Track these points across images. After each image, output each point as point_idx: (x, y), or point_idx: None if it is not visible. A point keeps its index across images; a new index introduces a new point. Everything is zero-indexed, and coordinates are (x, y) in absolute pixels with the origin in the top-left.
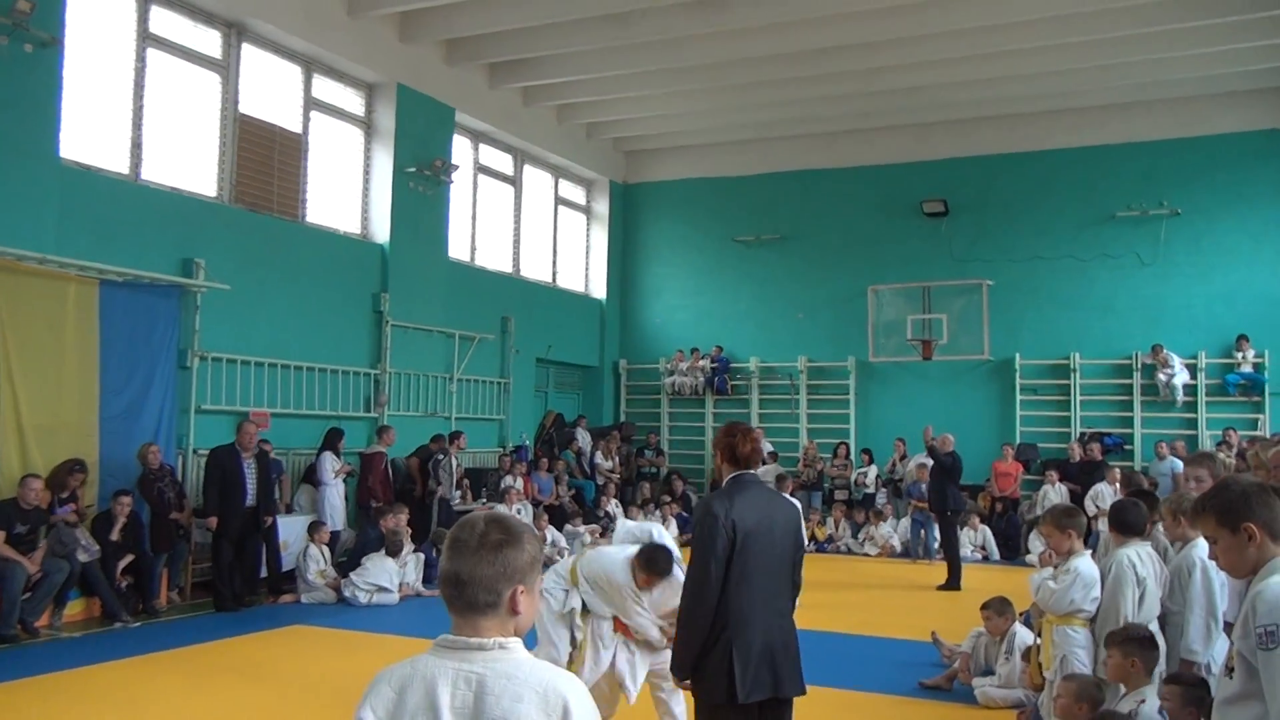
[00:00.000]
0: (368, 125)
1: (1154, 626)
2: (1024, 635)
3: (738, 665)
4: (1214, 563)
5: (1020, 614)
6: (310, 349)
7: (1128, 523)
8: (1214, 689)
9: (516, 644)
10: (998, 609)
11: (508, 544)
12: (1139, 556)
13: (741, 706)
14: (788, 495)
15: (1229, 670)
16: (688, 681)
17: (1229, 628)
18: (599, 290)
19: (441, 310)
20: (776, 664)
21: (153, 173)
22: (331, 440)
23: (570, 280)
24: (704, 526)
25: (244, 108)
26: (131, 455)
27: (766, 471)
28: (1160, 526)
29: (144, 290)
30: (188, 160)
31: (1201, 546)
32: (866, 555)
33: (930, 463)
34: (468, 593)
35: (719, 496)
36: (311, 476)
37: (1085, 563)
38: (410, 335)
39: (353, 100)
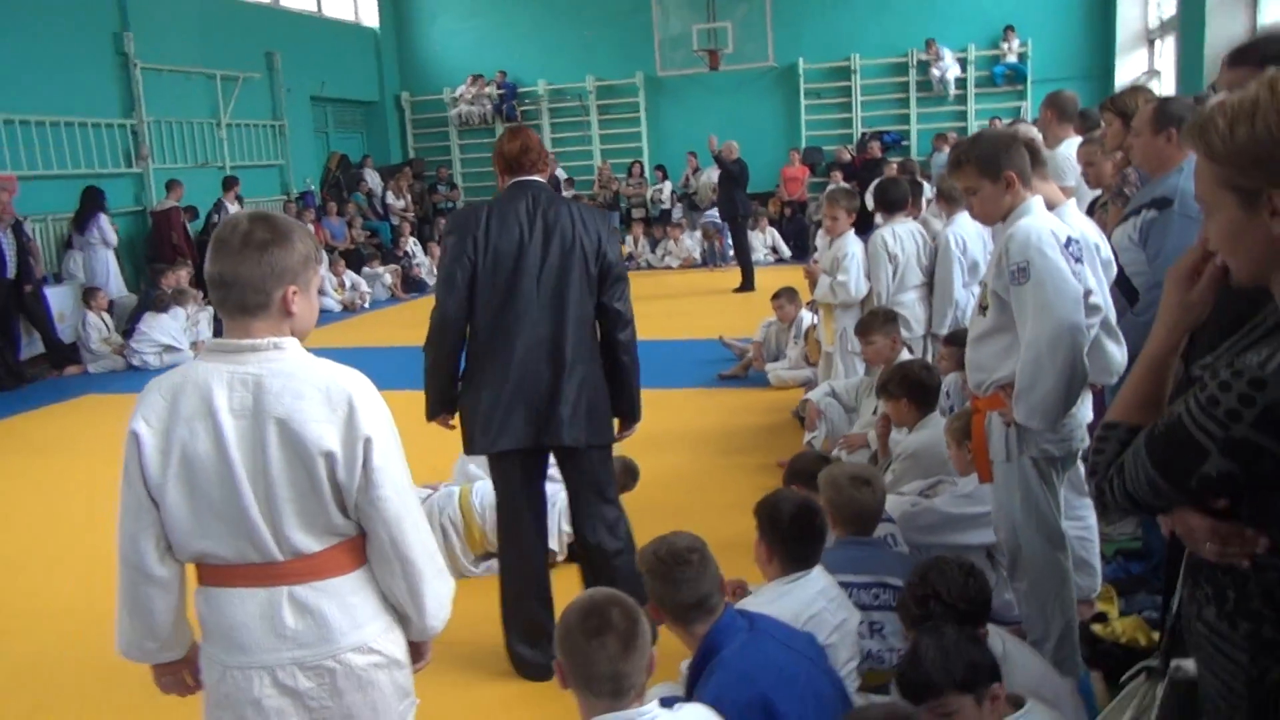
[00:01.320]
0: None
1: (913, 296)
2: (809, 319)
3: (480, 411)
4: (954, 235)
5: (807, 302)
6: (49, 101)
7: (890, 199)
8: None
9: (293, 343)
10: (788, 297)
11: (274, 243)
12: (894, 234)
13: (516, 453)
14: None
15: (982, 309)
16: (444, 419)
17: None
18: (370, 18)
19: (196, 48)
20: (541, 406)
21: None
22: (97, 200)
23: (337, 8)
24: (444, 248)
25: None
26: None
27: None
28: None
29: None
30: None
31: (955, 224)
32: (668, 268)
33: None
34: (234, 294)
35: (472, 210)
36: (76, 242)
37: (854, 243)
38: (165, 78)
39: None
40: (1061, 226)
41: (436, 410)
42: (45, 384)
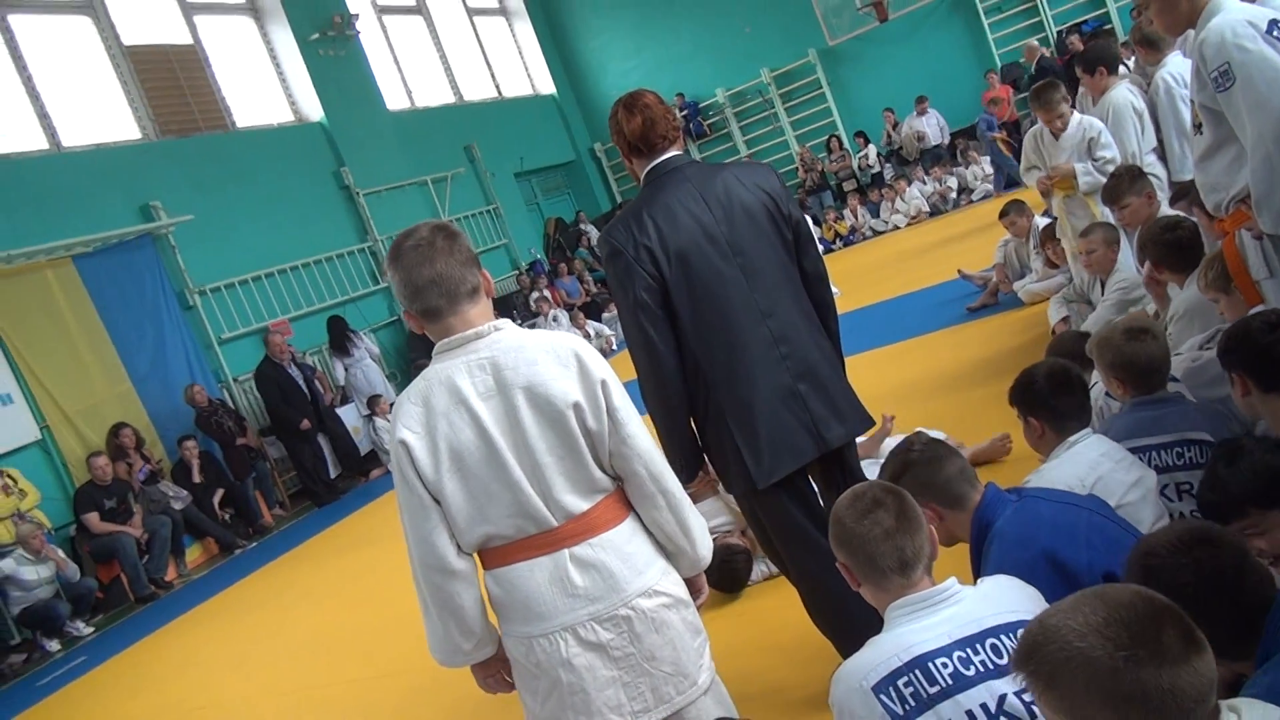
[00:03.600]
0: (254, 9)
1: (1153, 157)
2: (1043, 224)
3: (741, 441)
4: (1172, 75)
5: (1042, 212)
6: (299, 247)
7: (1109, 56)
8: None
9: (507, 323)
10: (1016, 211)
11: (458, 236)
12: (1131, 90)
13: (782, 480)
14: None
15: (1196, 128)
16: (707, 478)
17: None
18: (546, 86)
19: (403, 163)
20: (803, 412)
21: (72, 138)
22: (343, 325)
23: (515, 87)
24: (612, 272)
25: (127, 39)
26: (177, 405)
27: None
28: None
29: (117, 250)
30: (99, 113)
31: (1167, 66)
32: (897, 228)
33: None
34: (451, 285)
35: (623, 218)
36: (344, 364)
37: (1091, 120)
38: (384, 197)
39: None
40: (1261, 11)
41: (692, 468)
42: (356, 491)
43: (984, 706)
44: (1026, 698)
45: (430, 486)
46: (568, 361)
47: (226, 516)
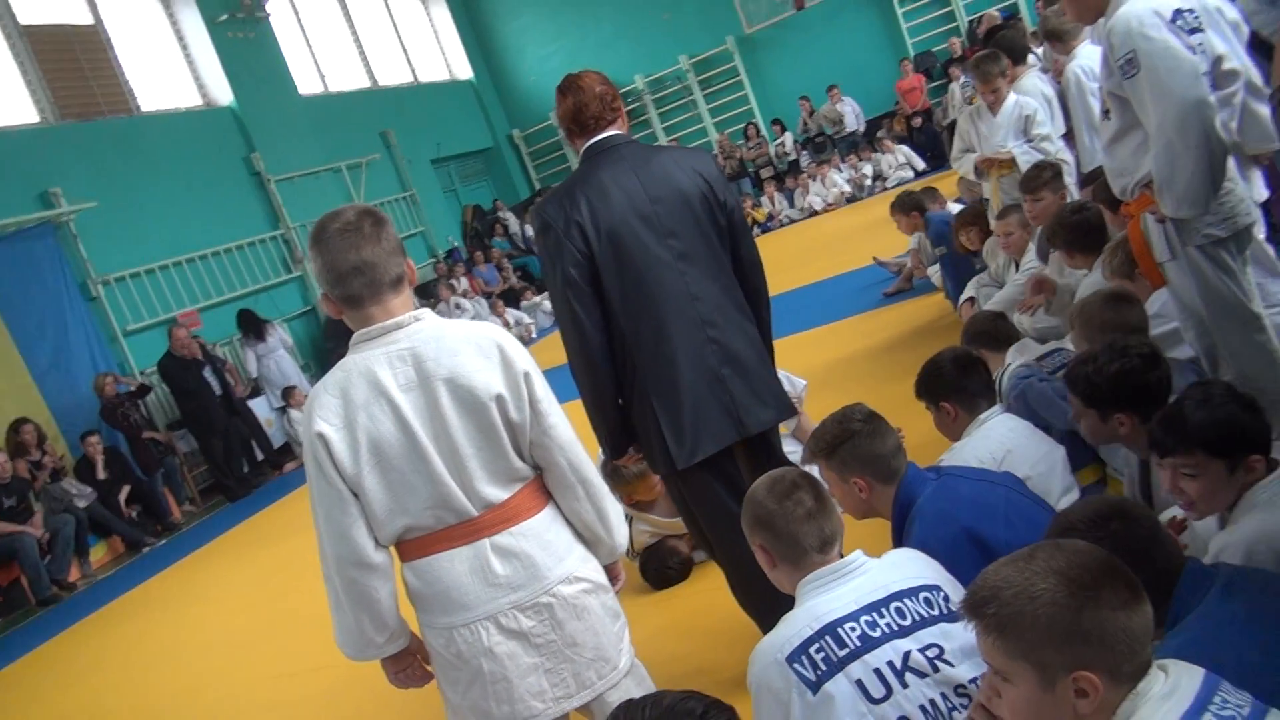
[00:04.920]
0: None
1: (1061, 144)
2: (954, 209)
3: (663, 421)
4: (1082, 68)
5: (954, 198)
6: (206, 234)
7: (1017, 48)
8: None
9: (428, 313)
10: (902, 208)
11: (385, 223)
12: (1041, 78)
13: (707, 462)
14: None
15: (1105, 114)
16: (633, 455)
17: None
18: (463, 71)
19: (316, 148)
20: (725, 396)
21: None
22: (253, 317)
23: (431, 72)
24: (542, 247)
25: (24, 18)
26: (81, 398)
27: None
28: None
29: (14, 239)
30: None
31: (1078, 57)
32: (815, 213)
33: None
34: (376, 274)
35: (556, 193)
36: (256, 354)
37: (1026, 99)
38: (297, 184)
39: None
40: (1167, 0)
41: (620, 444)
42: (270, 485)
43: (890, 664)
44: (930, 654)
45: (349, 480)
46: (490, 353)
47: (133, 514)
